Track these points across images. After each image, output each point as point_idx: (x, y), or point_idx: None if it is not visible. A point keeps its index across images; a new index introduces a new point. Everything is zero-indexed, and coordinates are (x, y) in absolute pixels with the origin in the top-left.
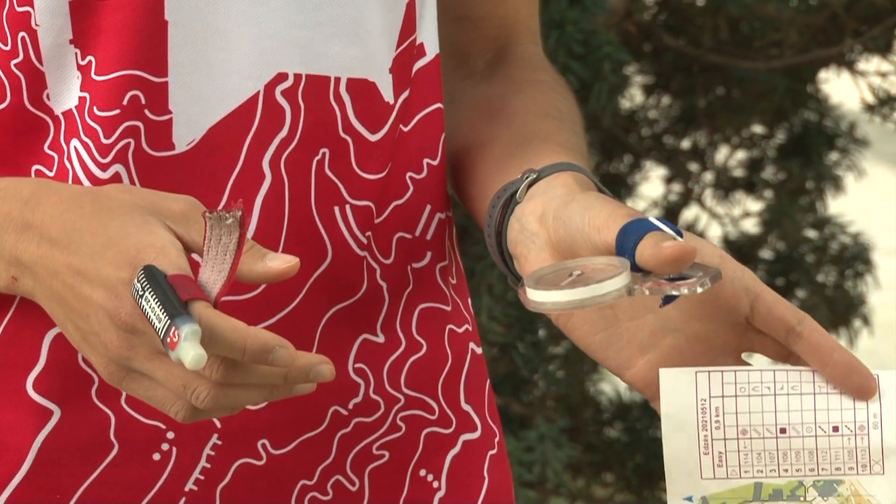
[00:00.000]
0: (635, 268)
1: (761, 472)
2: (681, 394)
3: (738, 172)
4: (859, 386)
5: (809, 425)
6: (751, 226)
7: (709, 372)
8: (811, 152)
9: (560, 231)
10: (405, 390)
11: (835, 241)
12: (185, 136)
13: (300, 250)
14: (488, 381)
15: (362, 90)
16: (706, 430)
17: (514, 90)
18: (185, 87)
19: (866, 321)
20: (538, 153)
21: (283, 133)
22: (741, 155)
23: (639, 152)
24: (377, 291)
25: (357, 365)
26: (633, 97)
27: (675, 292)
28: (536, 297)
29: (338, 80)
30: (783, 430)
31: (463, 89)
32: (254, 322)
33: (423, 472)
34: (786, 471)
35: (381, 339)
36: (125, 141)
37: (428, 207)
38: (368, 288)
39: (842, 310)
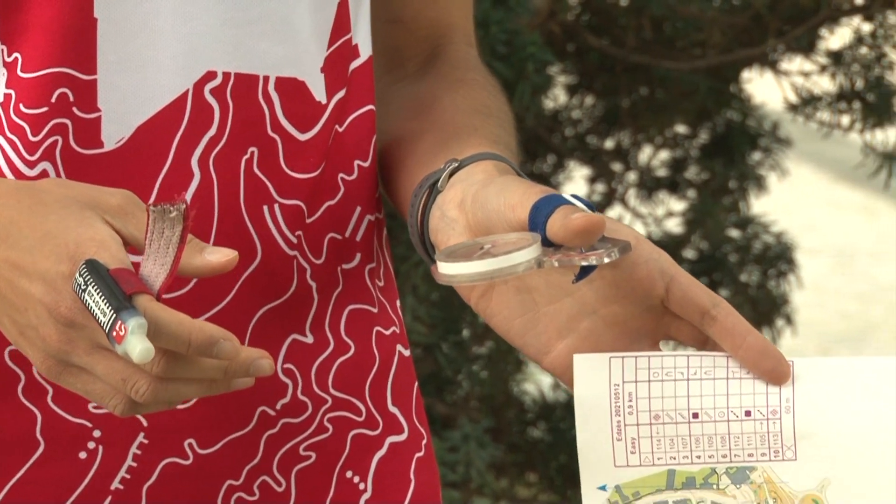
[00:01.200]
0: (547, 243)
1: (674, 458)
2: (594, 379)
3: (662, 172)
4: (772, 369)
5: (722, 410)
6: (674, 225)
7: (622, 357)
8: (734, 152)
9: (478, 213)
10: (333, 391)
11: (758, 241)
12: (114, 133)
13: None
14: (416, 384)
15: (291, 89)
16: (619, 415)
17: (444, 88)
18: (114, 84)
19: (789, 320)
20: (464, 145)
21: (212, 132)
22: (664, 155)
23: (562, 152)
24: (307, 291)
25: (286, 365)
26: (557, 97)
27: (583, 262)
28: (446, 269)
29: (266, 78)
30: (696, 416)
31: (395, 91)
32: None
33: (349, 474)
34: (698, 457)
35: (309, 339)
36: (53, 138)
37: (358, 209)
38: (298, 288)
39: (765, 309)
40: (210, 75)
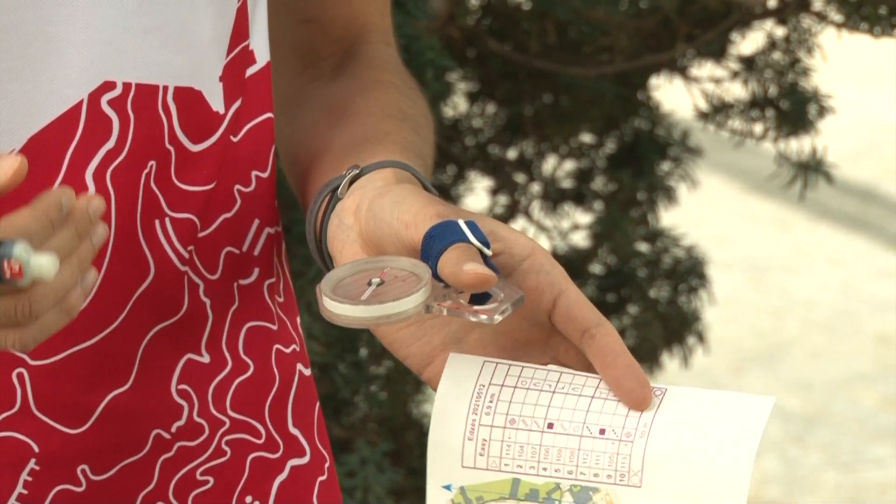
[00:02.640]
0: (438, 275)
1: (521, 467)
2: (462, 377)
3: (567, 183)
4: (631, 390)
5: (577, 424)
6: (580, 239)
7: (497, 363)
8: (643, 162)
9: (370, 223)
10: (231, 413)
11: (668, 255)
12: (5, 145)
13: (124, 267)
14: (318, 405)
15: (188, 99)
16: (476, 414)
17: (357, 90)
18: (7, 94)
19: (701, 338)
20: (371, 152)
21: (110, 144)
22: (570, 165)
23: (463, 162)
24: (200, 309)
25: (181, 386)
26: (457, 105)
27: (472, 318)
28: (333, 308)
29: (165, 88)
30: (551, 426)
31: (309, 93)
32: (74, 342)
33: (249, 499)
34: (545, 469)
35: (205, 358)
36: None
37: (256, 222)
38: (191, 305)
39: (676, 326)
40: (108, 85)
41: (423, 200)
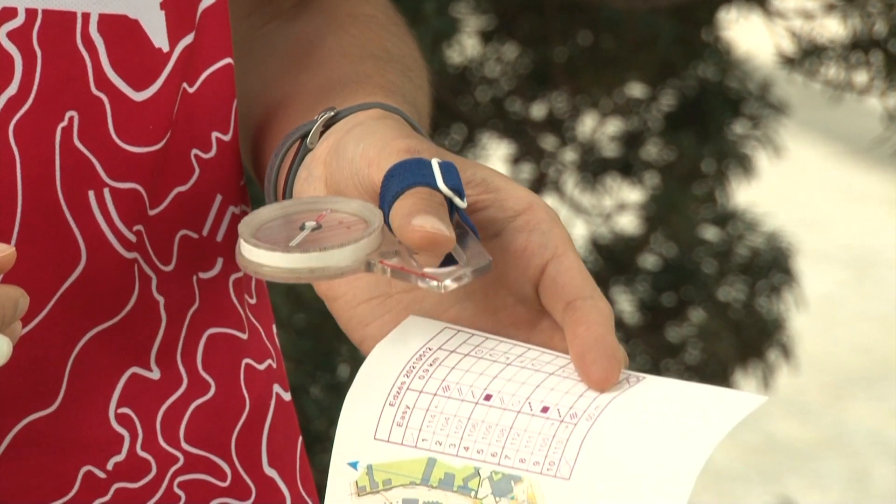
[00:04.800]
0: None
1: (440, 444)
2: (409, 338)
3: (611, 150)
4: (592, 362)
5: (519, 399)
6: (628, 223)
7: (459, 330)
8: (709, 122)
9: (332, 164)
10: (186, 446)
11: (742, 244)
12: None
13: (40, 250)
14: (300, 438)
15: (121, 30)
16: (408, 377)
17: (329, 27)
18: None
19: (786, 353)
20: (349, 95)
21: (12, 90)
22: (614, 126)
23: (473, 122)
24: (151, 308)
25: (121, 410)
26: (466, 47)
27: (419, 283)
28: (250, 255)
29: (86, 16)
30: (488, 398)
31: (264, 35)
32: None
33: None
34: (466, 448)
35: (155, 374)
36: None
37: (218, 198)
38: (139, 303)
39: (753, 337)
40: (7, 13)
41: (397, 133)
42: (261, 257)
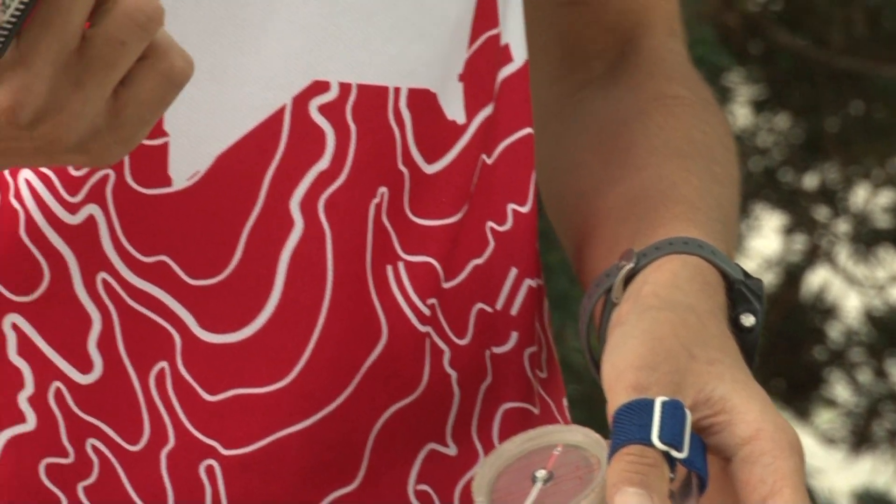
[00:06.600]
0: None
1: None
2: None
3: (884, 221)
4: None
5: None
6: None
7: None
8: None
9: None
10: None
11: None
12: (186, 166)
13: (349, 328)
14: None
15: (423, 104)
16: None
17: (636, 110)
18: (188, 100)
19: None
20: (652, 219)
21: (323, 164)
22: (887, 197)
23: (746, 192)
24: (444, 383)
25: (420, 487)
26: (738, 116)
27: None
28: None
29: (397, 91)
30: None
31: (577, 103)
32: (278, 426)
33: None
34: None
35: (451, 450)
36: (103, 173)
37: (513, 271)
38: (432, 378)
39: None
40: (319, 87)
41: (636, 353)
42: None
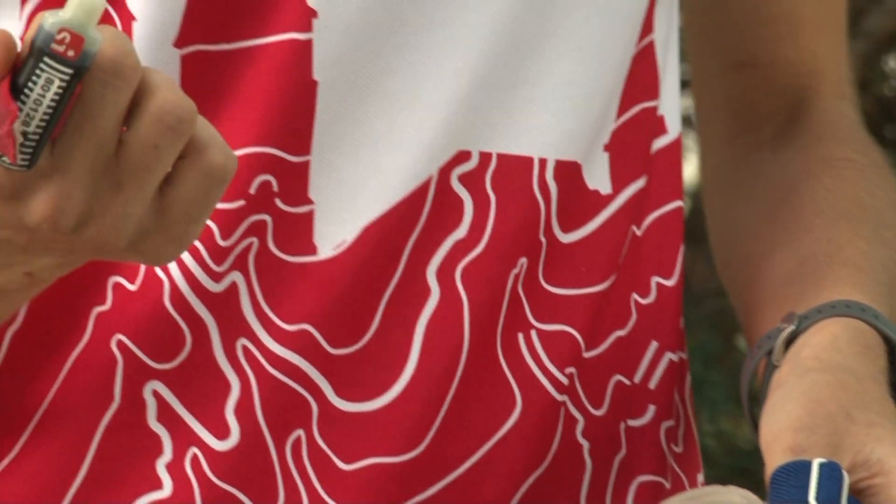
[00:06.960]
0: None
1: None
2: None
3: None
4: None
5: None
6: None
7: None
8: None
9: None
10: None
11: None
12: (332, 235)
13: (479, 395)
14: None
15: (569, 175)
16: None
17: (804, 173)
18: (334, 168)
19: None
20: (816, 281)
21: (460, 233)
22: None
23: None
24: (575, 453)
25: None
26: None
27: None
28: None
29: (543, 162)
30: None
31: (747, 166)
32: (413, 493)
33: None
34: None
35: None
36: (248, 241)
37: (654, 344)
38: (562, 447)
39: None
40: (461, 157)
41: (794, 415)
42: None
